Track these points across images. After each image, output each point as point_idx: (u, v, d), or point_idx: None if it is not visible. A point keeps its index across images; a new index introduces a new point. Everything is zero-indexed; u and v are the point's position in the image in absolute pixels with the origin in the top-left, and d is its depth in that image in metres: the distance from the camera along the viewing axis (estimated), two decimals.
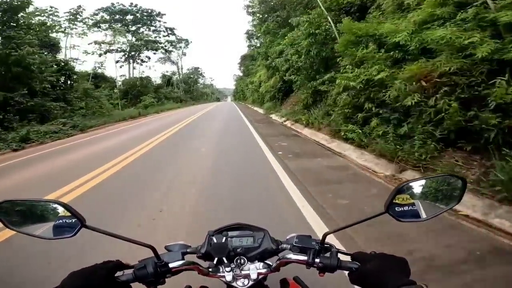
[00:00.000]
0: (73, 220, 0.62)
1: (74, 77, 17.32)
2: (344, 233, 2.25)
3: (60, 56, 21.61)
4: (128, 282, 0.65)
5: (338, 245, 1.37)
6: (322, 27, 8.55)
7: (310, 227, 2.68)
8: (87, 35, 30.26)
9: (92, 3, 54.71)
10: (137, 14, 42.48)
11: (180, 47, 65.82)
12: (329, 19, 8.20)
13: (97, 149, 7.86)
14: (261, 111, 19.76)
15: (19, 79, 12.19)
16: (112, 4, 38.79)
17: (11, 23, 12.88)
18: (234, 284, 0.70)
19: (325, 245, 0.70)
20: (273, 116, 14.66)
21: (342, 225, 0.68)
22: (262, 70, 23.07)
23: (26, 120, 11.48)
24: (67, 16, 26.02)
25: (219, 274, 0.70)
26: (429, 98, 3.83)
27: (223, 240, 0.72)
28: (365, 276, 0.61)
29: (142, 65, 45.65)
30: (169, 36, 47.26)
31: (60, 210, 0.63)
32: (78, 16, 26.78)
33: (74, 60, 30.36)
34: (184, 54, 66.52)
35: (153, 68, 59.01)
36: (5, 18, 12.66)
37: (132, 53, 43.39)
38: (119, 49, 41.02)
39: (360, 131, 5.46)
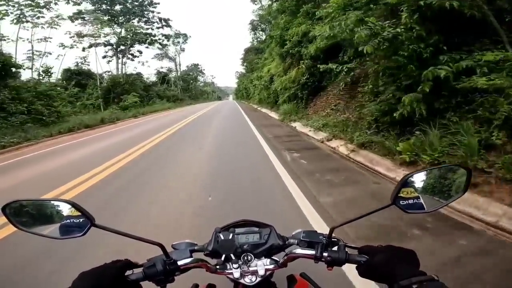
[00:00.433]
0: (83, 219, 0.61)
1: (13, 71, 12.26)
2: None
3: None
4: (138, 281, 0.65)
5: None
6: None
7: None
8: (59, 25, 25.21)
9: None
10: (127, 3, 37.49)
11: (178, 42, 61.04)
12: None
13: None
14: (274, 115, 14.61)
15: None
16: None
17: None
18: (241, 280, 0.70)
19: (333, 239, 0.70)
20: (299, 127, 9.45)
21: (349, 218, 0.66)
22: (274, 61, 17.91)
23: None
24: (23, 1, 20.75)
25: (226, 271, 0.71)
26: None
27: (230, 237, 0.72)
28: (374, 269, 0.60)
29: (133, 60, 40.80)
30: (163, 28, 42.21)
31: (70, 209, 0.62)
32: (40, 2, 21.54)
33: (47, 54, 25.58)
34: (183, 50, 61.68)
35: (147, 64, 53.11)
36: None
37: (122, 47, 38.51)
38: (106, 43, 36.20)
39: None
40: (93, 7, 34.21)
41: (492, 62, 3.36)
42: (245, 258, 0.71)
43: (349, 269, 1.32)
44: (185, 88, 60.78)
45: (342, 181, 3.93)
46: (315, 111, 10.51)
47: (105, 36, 34.81)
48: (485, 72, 3.41)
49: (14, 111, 10.95)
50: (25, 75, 21.03)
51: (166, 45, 44.88)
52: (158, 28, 40.89)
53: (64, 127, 11.33)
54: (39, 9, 21.89)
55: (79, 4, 30.14)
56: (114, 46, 36.61)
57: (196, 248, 0.75)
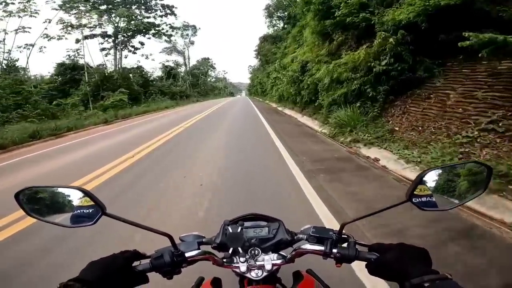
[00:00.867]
0: (94, 207, 0.61)
1: None
2: None
3: None
4: (145, 272, 0.65)
5: None
6: None
7: None
8: (38, 13, 20.87)
9: None
10: None
11: (187, 35, 56.38)
12: None
13: None
14: (311, 124, 9.34)
15: None
16: None
17: None
18: (247, 275, 0.69)
19: (343, 236, 0.69)
20: (394, 166, 4.20)
21: (361, 214, 0.65)
22: (305, 44, 12.67)
23: None
24: None
25: (233, 264, 0.70)
26: None
27: (239, 230, 0.71)
28: (385, 267, 0.60)
29: (135, 53, 36.33)
30: (167, 17, 37.40)
31: (81, 197, 0.62)
32: None
33: (29, 47, 21.41)
34: (192, 43, 57.00)
35: (151, 58, 48.63)
36: None
37: (122, 38, 34.08)
38: (103, 34, 31.81)
39: None
40: None
41: None
42: (252, 252, 0.71)
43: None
44: (194, 83, 56.18)
45: None
46: (407, 126, 5.28)
47: (100, 26, 30.54)
48: None
49: None
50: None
51: (171, 35, 40.09)
52: (161, 16, 36.17)
53: None
54: None
55: None
56: (112, 37, 32.22)
57: (204, 240, 0.75)
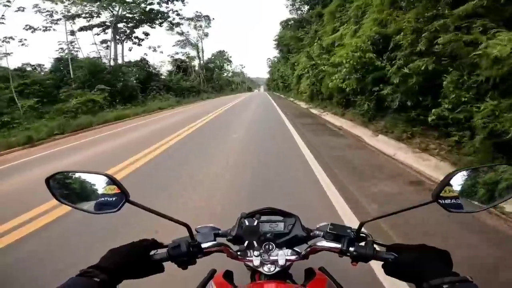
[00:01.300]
0: (117, 195, 0.62)
1: None
2: None
3: None
4: (161, 261, 0.65)
5: None
6: None
7: None
8: (10, 2, 16.63)
9: None
10: None
11: (200, 26, 51.59)
12: None
13: None
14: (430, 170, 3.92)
15: None
16: None
17: None
18: (260, 269, 0.70)
19: (361, 234, 0.68)
20: None
21: (383, 213, 0.64)
22: (371, 12, 7.16)
23: None
24: None
25: (247, 258, 0.71)
26: None
27: (255, 224, 0.71)
28: (403, 267, 0.58)
29: (140, 45, 31.93)
30: (173, 3, 32.50)
31: (106, 184, 0.63)
32: None
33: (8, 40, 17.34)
34: (206, 35, 52.14)
35: (159, 50, 44.24)
36: None
37: (124, 28, 29.77)
38: (102, 24, 27.57)
39: None
40: None
41: None
42: (266, 247, 0.71)
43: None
44: (209, 78, 51.49)
45: None
46: None
47: (98, 16, 26.30)
48: None
49: None
50: None
51: (178, 24, 35.23)
52: (166, 1, 31.32)
53: None
54: None
55: None
56: (109, 27, 27.89)
57: (219, 232, 0.76)
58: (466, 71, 3.64)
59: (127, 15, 28.98)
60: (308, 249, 0.71)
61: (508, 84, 3.01)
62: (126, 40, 31.45)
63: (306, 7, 27.31)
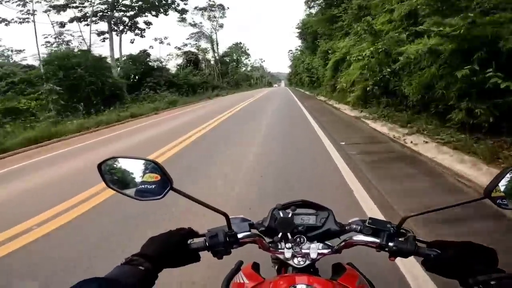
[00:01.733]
0: (161, 182, 0.61)
1: None
2: None
3: None
4: (198, 250, 0.65)
5: None
6: None
7: None
8: None
9: None
10: None
11: (214, 16, 46.53)
12: None
13: None
14: None
15: None
16: None
17: None
18: (290, 261, 0.70)
19: (401, 230, 0.66)
20: None
21: (428, 208, 0.61)
22: None
23: None
24: None
25: (279, 249, 0.70)
26: None
27: (289, 216, 0.72)
28: (446, 264, 0.58)
29: (143, 36, 27.56)
30: None
31: (151, 170, 0.63)
32: None
33: None
34: (221, 26, 47.16)
35: (166, 42, 39.77)
36: None
37: (123, 18, 25.48)
38: (93, 13, 23.35)
39: None
40: None
41: None
42: (298, 239, 0.70)
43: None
44: (224, 72, 46.62)
45: None
46: None
47: (90, 5, 22.14)
48: None
49: None
50: None
51: (185, 11, 30.24)
52: None
53: None
54: None
55: None
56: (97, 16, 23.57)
57: (253, 223, 0.75)
58: None
59: (125, 2, 24.68)
60: (342, 243, 0.70)
61: None
62: (125, 31, 27.24)
63: None
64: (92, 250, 2.25)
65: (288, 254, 0.68)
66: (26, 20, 19.54)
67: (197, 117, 11.10)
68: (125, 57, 24.91)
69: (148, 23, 27.83)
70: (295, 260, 0.68)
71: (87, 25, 23.49)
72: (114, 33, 25.51)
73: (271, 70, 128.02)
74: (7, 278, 2.02)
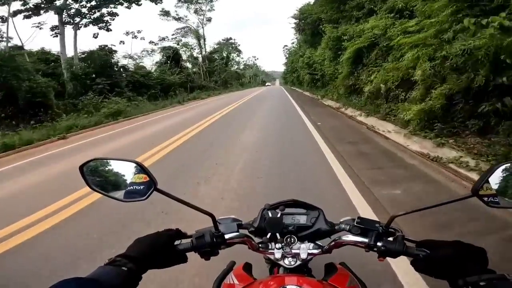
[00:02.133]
0: (145, 184, 0.61)
1: None
2: None
3: None
4: (185, 251, 0.64)
5: None
6: None
7: None
8: None
9: None
10: None
11: (201, 9, 41.36)
12: None
13: None
14: None
15: None
16: None
17: None
18: (281, 262, 0.68)
19: (390, 229, 0.64)
20: None
21: (415, 208, 0.59)
22: None
23: None
24: None
25: (268, 250, 0.69)
26: None
27: (278, 216, 0.70)
28: (436, 264, 0.57)
29: (110, 30, 22.33)
30: None
31: (135, 172, 0.62)
32: None
33: None
34: (209, 20, 42.24)
35: (140, 36, 34.68)
36: None
37: (80, 9, 20.29)
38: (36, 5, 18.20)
39: None
40: None
41: None
42: (288, 240, 0.69)
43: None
44: (211, 71, 41.64)
45: None
46: None
47: None
48: None
49: None
50: None
51: (159, 0, 25.06)
52: None
53: None
54: None
55: None
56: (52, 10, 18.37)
57: (242, 223, 0.74)
58: None
59: None
60: (332, 243, 0.69)
61: None
62: (84, 25, 21.94)
63: None
64: None
65: (278, 254, 0.68)
66: None
67: (109, 153, 6.15)
68: (80, 54, 19.81)
69: (112, 14, 22.69)
70: (286, 261, 0.68)
71: (27, 17, 18.35)
72: (69, 26, 20.43)
73: (266, 68, 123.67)
74: None
